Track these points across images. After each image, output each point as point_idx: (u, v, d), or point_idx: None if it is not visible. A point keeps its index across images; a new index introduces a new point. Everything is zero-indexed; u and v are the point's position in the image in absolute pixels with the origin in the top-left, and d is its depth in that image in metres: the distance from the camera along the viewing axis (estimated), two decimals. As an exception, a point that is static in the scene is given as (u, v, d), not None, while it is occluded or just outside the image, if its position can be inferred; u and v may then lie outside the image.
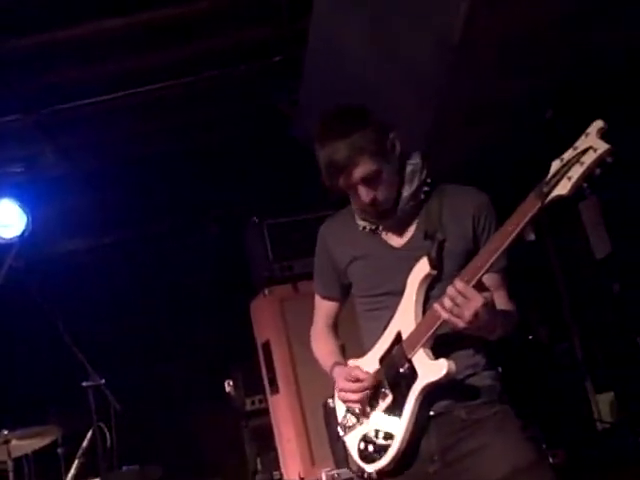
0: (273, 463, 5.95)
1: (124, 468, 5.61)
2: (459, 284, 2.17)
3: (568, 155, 2.03)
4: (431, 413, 2.36)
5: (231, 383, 6.25)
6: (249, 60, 5.18)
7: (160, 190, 6.29)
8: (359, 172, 2.34)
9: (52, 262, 6.23)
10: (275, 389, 5.80)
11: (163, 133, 6.00)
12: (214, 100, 5.65)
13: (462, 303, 2.16)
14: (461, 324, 2.18)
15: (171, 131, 6.00)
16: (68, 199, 6.09)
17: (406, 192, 2.44)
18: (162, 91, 5.19)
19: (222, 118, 5.98)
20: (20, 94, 4.88)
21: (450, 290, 2.18)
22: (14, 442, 4.62)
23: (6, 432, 4.58)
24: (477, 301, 2.15)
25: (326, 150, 2.36)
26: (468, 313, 2.15)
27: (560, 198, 2.04)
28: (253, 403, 6.19)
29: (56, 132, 5.44)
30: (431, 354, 2.31)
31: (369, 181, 2.36)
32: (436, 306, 2.23)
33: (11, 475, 4.56)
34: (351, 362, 2.55)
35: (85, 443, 5.14)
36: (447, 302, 2.18)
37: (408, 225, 2.48)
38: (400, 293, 2.40)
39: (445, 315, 2.19)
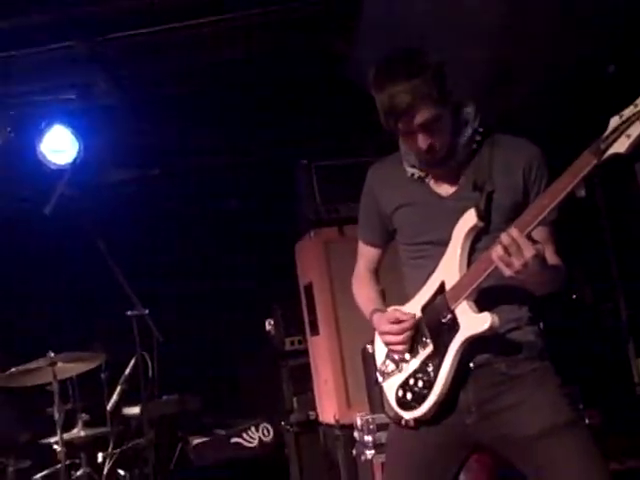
0: (309, 403, 6.01)
1: (164, 397, 5.77)
2: (514, 232, 2.15)
3: (628, 112, 1.98)
4: (471, 365, 2.36)
5: (272, 322, 6.32)
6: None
7: (211, 126, 6.28)
8: (420, 118, 2.30)
9: (102, 191, 6.29)
10: (315, 331, 5.84)
11: (215, 69, 5.95)
12: (268, 39, 5.58)
13: (514, 252, 2.14)
14: (509, 272, 2.17)
15: (224, 67, 5.94)
16: (119, 128, 6.11)
17: (461, 140, 2.41)
18: (214, 26, 5.11)
19: (276, 58, 5.91)
20: (74, 20, 4.86)
21: (504, 237, 2.15)
22: (59, 365, 4.77)
23: (52, 354, 4.72)
24: (529, 251, 2.13)
25: (386, 93, 2.31)
26: (518, 262, 2.14)
27: (617, 156, 2.00)
28: (292, 343, 6.23)
29: (109, 61, 5.42)
30: (475, 307, 2.30)
31: (429, 127, 2.33)
32: (489, 252, 2.21)
33: (56, 396, 4.71)
34: (392, 309, 2.55)
35: (128, 371, 5.29)
36: (499, 249, 2.16)
37: (457, 174, 2.46)
38: (445, 243, 2.39)
39: (495, 260, 2.18)
